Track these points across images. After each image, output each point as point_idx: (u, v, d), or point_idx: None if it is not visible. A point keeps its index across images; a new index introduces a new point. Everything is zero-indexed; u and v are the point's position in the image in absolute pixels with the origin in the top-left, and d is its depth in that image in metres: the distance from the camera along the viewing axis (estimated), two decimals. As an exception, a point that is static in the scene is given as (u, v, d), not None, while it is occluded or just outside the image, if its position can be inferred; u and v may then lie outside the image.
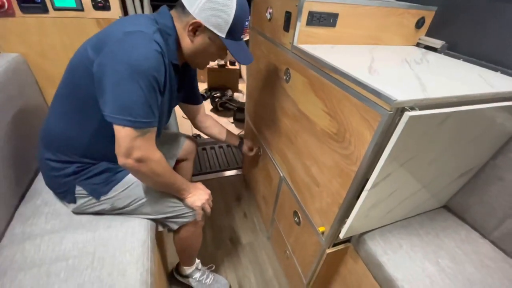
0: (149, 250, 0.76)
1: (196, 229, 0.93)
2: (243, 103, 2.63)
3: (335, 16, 0.81)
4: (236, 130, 2.43)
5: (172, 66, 0.71)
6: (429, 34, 1.01)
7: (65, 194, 0.78)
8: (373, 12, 0.86)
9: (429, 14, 0.96)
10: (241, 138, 1.24)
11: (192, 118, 1.10)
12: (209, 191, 0.88)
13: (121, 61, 0.57)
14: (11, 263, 0.67)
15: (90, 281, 0.65)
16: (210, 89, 3.01)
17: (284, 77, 0.93)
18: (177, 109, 1.12)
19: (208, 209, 0.87)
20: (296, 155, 0.93)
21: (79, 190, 0.77)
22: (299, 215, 0.98)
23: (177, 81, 0.80)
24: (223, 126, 1.17)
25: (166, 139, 1.09)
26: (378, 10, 0.86)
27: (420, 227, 0.84)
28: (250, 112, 1.45)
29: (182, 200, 0.84)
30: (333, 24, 0.83)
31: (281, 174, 1.09)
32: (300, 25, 0.79)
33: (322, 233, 0.82)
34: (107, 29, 0.65)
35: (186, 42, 0.71)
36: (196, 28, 0.68)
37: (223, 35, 0.68)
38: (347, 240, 0.88)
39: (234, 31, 0.69)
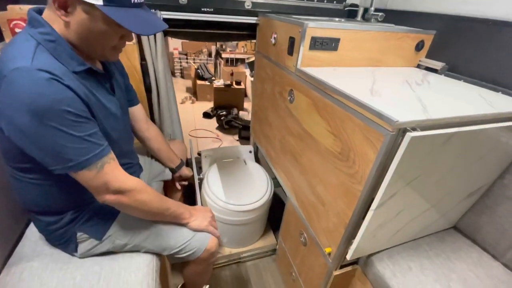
0: (153, 271, 0.76)
1: (207, 267, 0.90)
2: (248, 121, 2.67)
3: (336, 40, 0.85)
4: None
5: (84, 74, 0.58)
6: (429, 56, 1.04)
7: (67, 244, 0.73)
8: (373, 37, 0.90)
9: (428, 38, 1.00)
10: (180, 165, 1.07)
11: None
12: (209, 209, 0.88)
13: (19, 112, 0.48)
14: (18, 281, 0.67)
15: (94, 302, 0.65)
16: (216, 107, 3.09)
17: (288, 98, 0.96)
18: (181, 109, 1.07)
19: (216, 226, 0.86)
20: (301, 173, 0.94)
21: (80, 235, 0.72)
22: (305, 235, 0.97)
23: (105, 83, 0.67)
24: (166, 142, 1.01)
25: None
26: (378, 35, 0.90)
27: (430, 249, 0.82)
28: (256, 130, 1.48)
29: (185, 225, 0.80)
30: (335, 48, 0.87)
31: (286, 193, 1.09)
32: (303, 50, 0.83)
33: (329, 254, 0.80)
34: None
35: (65, 30, 0.54)
36: (63, 3, 0.51)
37: (99, 2, 0.50)
38: (354, 262, 0.86)
39: None
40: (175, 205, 0.77)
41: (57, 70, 0.51)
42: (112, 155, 0.61)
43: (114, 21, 0.52)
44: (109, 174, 0.59)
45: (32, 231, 0.80)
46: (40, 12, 0.57)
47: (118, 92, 0.73)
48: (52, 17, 0.54)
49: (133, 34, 0.65)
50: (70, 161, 0.54)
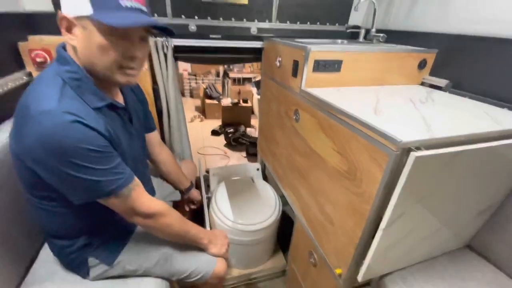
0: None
1: None
2: (255, 138, 2.70)
3: (339, 62, 0.88)
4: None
5: (105, 109, 0.61)
6: (433, 73, 1.06)
7: (80, 268, 0.74)
8: (375, 57, 0.92)
9: (430, 56, 1.02)
10: (189, 188, 1.11)
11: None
12: (225, 233, 0.90)
13: (46, 153, 0.51)
14: (32, 303, 0.68)
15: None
16: (224, 125, 3.15)
17: (294, 117, 0.99)
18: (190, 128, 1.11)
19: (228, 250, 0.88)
20: (309, 192, 0.94)
21: (91, 260, 0.73)
22: (315, 255, 0.95)
23: (124, 115, 0.70)
24: (177, 165, 1.05)
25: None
26: (380, 55, 0.93)
27: (444, 269, 0.79)
28: (263, 148, 1.50)
29: (205, 250, 0.83)
30: (338, 70, 0.90)
31: (295, 212, 1.08)
32: (307, 72, 0.87)
33: (339, 275, 0.79)
34: (16, 109, 0.56)
35: (76, 56, 0.57)
36: (68, 26, 0.54)
37: (90, 11, 0.51)
38: (366, 284, 0.84)
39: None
40: (195, 229, 0.79)
41: (81, 111, 0.53)
42: (136, 181, 0.64)
43: (105, 28, 0.52)
44: (136, 200, 0.63)
45: (46, 252, 0.82)
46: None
47: (136, 123, 0.77)
48: (73, 52, 0.57)
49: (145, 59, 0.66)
50: (97, 192, 0.58)
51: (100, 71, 0.58)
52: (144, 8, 0.57)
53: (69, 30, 0.54)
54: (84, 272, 0.74)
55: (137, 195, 0.64)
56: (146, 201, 0.66)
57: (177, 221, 0.73)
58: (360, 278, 0.73)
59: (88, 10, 0.51)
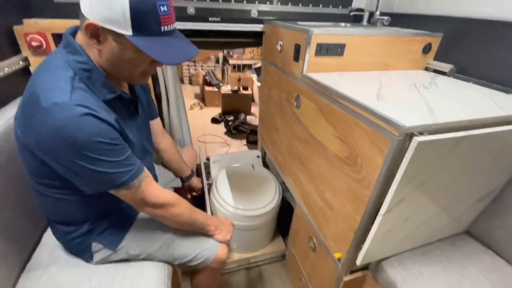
0: (165, 277, 0.78)
1: (217, 275, 0.92)
2: (255, 126, 2.69)
3: (342, 46, 0.86)
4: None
5: (113, 100, 0.60)
6: (437, 58, 1.04)
7: (83, 253, 0.75)
8: (379, 41, 0.90)
9: (435, 40, 0.99)
10: (189, 176, 1.11)
11: None
12: (231, 221, 0.92)
13: (58, 145, 0.51)
14: (37, 285, 0.70)
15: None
16: (224, 113, 3.12)
17: (295, 103, 0.97)
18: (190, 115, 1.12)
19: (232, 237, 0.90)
20: (309, 178, 0.94)
21: (95, 245, 0.74)
22: (314, 240, 0.97)
23: (130, 105, 0.70)
24: (178, 153, 1.05)
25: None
26: (384, 39, 0.91)
27: (442, 254, 0.81)
28: (263, 136, 1.49)
29: (211, 236, 0.84)
30: (341, 54, 0.88)
31: (295, 198, 1.09)
32: (309, 56, 0.85)
33: (339, 259, 0.80)
34: (24, 97, 0.55)
35: (97, 57, 0.56)
36: (96, 33, 0.52)
37: (129, 32, 0.50)
38: (365, 267, 0.85)
39: (141, 23, 0.50)
40: (203, 217, 0.80)
41: (92, 103, 0.53)
42: (146, 172, 0.65)
43: (139, 48, 0.52)
44: (146, 191, 0.64)
45: (49, 236, 0.83)
46: (75, 32, 0.58)
47: (141, 112, 0.76)
48: (86, 42, 0.55)
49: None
50: (110, 183, 0.58)
51: (123, 76, 0.61)
52: (176, 27, 0.58)
53: (95, 36, 0.53)
54: (87, 256, 0.76)
55: (147, 186, 0.64)
56: (156, 192, 0.66)
57: (186, 210, 0.74)
58: (358, 262, 0.74)
59: (127, 30, 0.50)
